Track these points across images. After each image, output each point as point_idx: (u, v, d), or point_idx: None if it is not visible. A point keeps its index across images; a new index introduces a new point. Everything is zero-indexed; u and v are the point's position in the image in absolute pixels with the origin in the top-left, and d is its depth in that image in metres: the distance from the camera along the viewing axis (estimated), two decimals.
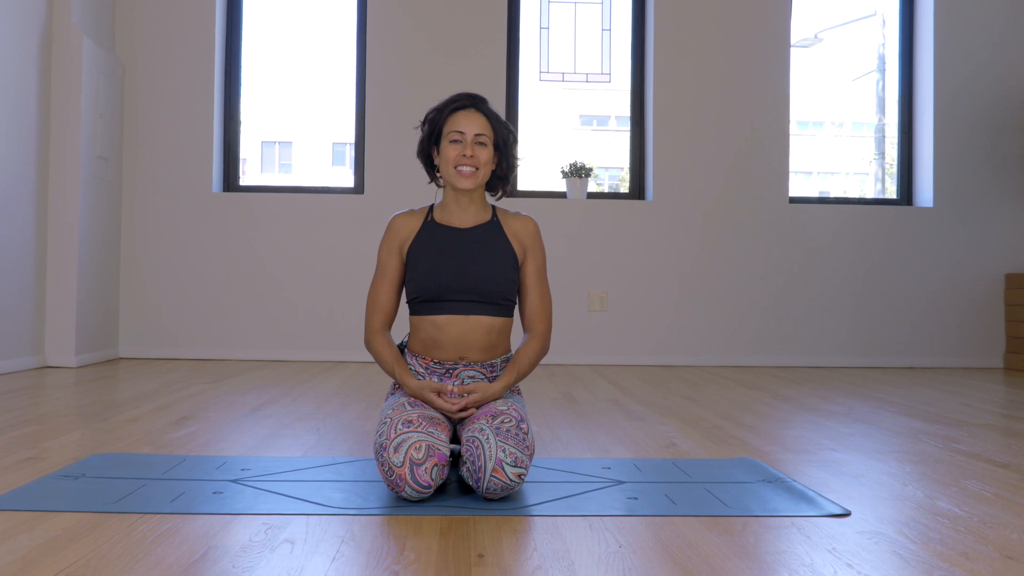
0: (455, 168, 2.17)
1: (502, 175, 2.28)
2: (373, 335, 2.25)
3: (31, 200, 4.58)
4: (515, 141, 2.29)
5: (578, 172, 5.44)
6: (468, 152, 2.16)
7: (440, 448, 1.91)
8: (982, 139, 5.62)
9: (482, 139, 2.18)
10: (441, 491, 2.02)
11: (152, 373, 4.50)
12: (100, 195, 5.01)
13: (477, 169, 2.18)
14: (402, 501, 1.91)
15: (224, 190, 5.50)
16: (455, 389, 2.11)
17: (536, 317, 2.27)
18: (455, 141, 2.18)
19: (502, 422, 1.96)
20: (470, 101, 2.22)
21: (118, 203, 5.28)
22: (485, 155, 2.19)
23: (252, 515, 1.81)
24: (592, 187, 5.73)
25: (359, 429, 2.93)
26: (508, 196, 2.45)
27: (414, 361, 2.24)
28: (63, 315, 4.72)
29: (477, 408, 2.10)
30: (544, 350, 2.27)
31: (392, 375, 2.20)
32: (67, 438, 2.65)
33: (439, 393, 2.10)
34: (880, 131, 6.24)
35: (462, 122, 2.18)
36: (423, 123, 2.27)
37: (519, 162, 2.33)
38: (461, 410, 2.09)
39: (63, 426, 2.87)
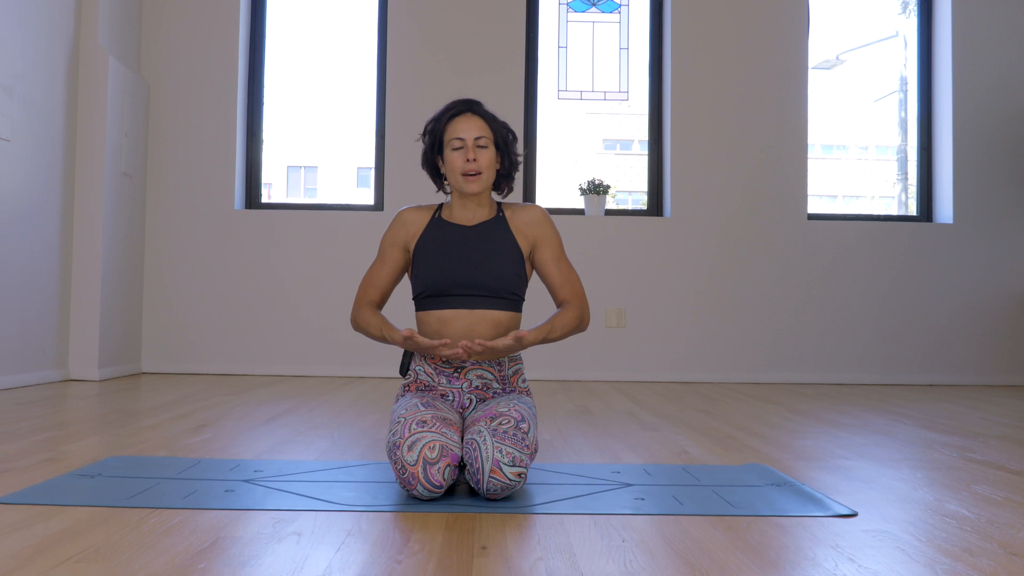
0: (462, 175, 2.24)
1: (506, 173, 2.35)
2: (360, 308, 2.30)
3: (56, 215, 4.66)
4: (515, 139, 2.35)
5: (596, 189, 5.47)
6: (471, 156, 2.22)
7: (453, 449, 1.93)
8: (1001, 155, 5.60)
9: (482, 141, 2.24)
10: (451, 491, 2.04)
11: (173, 386, 4.56)
12: (124, 211, 5.09)
13: (482, 173, 2.24)
14: (412, 499, 1.94)
15: (246, 207, 5.58)
16: (463, 346, 2.09)
17: (568, 294, 2.30)
18: (457, 148, 2.24)
19: (500, 423, 1.98)
20: (466, 106, 2.28)
21: (142, 219, 5.37)
22: (487, 157, 2.25)
23: (261, 510, 1.84)
24: (610, 204, 5.75)
25: (373, 436, 2.95)
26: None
27: (422, 362, 2.27)
28: (87, 329, 4.79)
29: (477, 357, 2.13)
30: (581, 320, 2.27)
31: (380, 335, 2.22)
32: (86, 442, 2.70)
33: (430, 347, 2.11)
34: (902, 152, 6.22)
35: (461, 128, 2.25)
36: (423, 135, 2.33)
37: (520, 159, 2.39)
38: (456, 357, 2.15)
39: (82, 432, 2.92)
